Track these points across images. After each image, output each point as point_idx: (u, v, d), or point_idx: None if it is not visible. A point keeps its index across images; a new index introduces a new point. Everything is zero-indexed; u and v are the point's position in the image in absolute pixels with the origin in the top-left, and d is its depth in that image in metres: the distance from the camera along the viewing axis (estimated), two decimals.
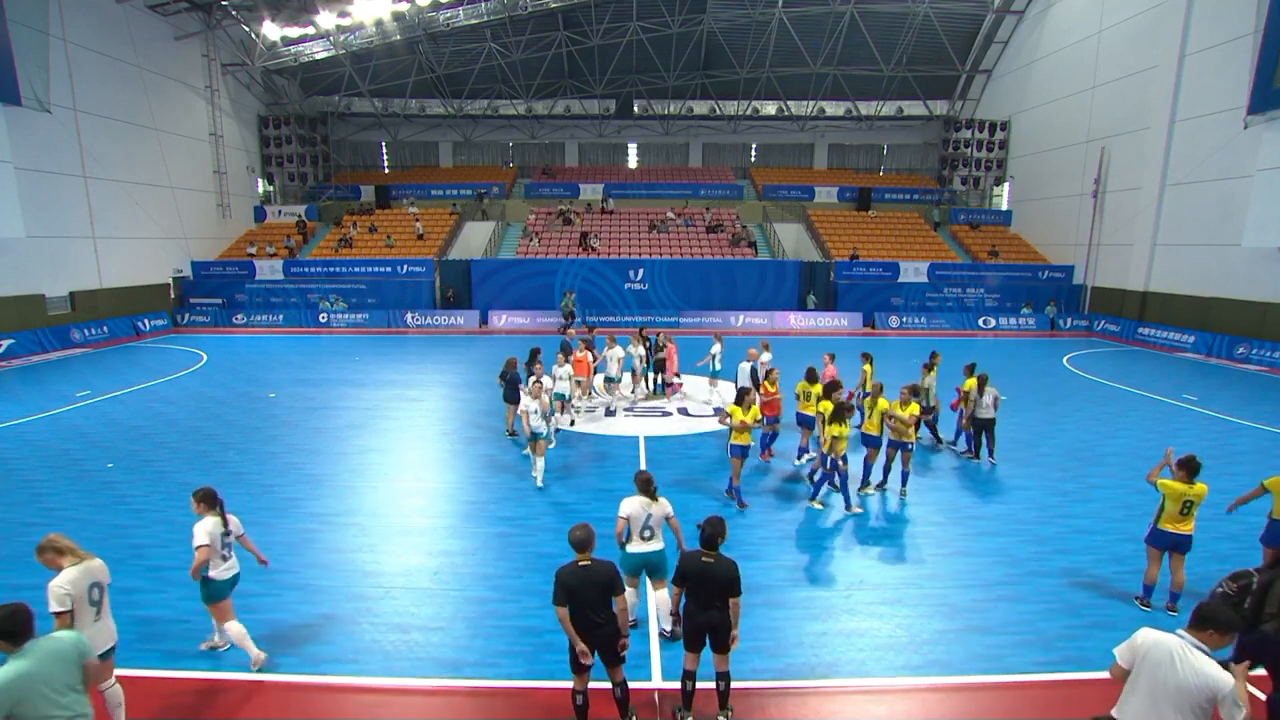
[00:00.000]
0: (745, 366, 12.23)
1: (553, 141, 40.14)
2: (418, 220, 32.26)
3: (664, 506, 5.90)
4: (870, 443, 9.75)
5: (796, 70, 35.50)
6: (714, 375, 14.48)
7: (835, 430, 8.58)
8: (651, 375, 15.45)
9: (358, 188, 36.38)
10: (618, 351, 13.85)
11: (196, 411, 14.15)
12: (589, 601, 4.53)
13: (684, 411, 14.20)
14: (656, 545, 5.89)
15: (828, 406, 9.05)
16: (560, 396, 12.38)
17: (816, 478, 9.36)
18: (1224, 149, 21.95)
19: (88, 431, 12.60)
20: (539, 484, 9.79)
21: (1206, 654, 3.56)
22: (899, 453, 9.53)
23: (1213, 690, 3.46)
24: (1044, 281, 29.59)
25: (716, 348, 14.42)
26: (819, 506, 9.13)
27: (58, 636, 3.79)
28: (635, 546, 5.84)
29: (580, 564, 4.62)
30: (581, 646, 4.53)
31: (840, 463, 8.76)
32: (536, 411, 9.66)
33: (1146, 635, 3.73)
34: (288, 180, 36.24)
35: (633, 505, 5.84)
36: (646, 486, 5.84)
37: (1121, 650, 3.81)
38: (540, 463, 9.83)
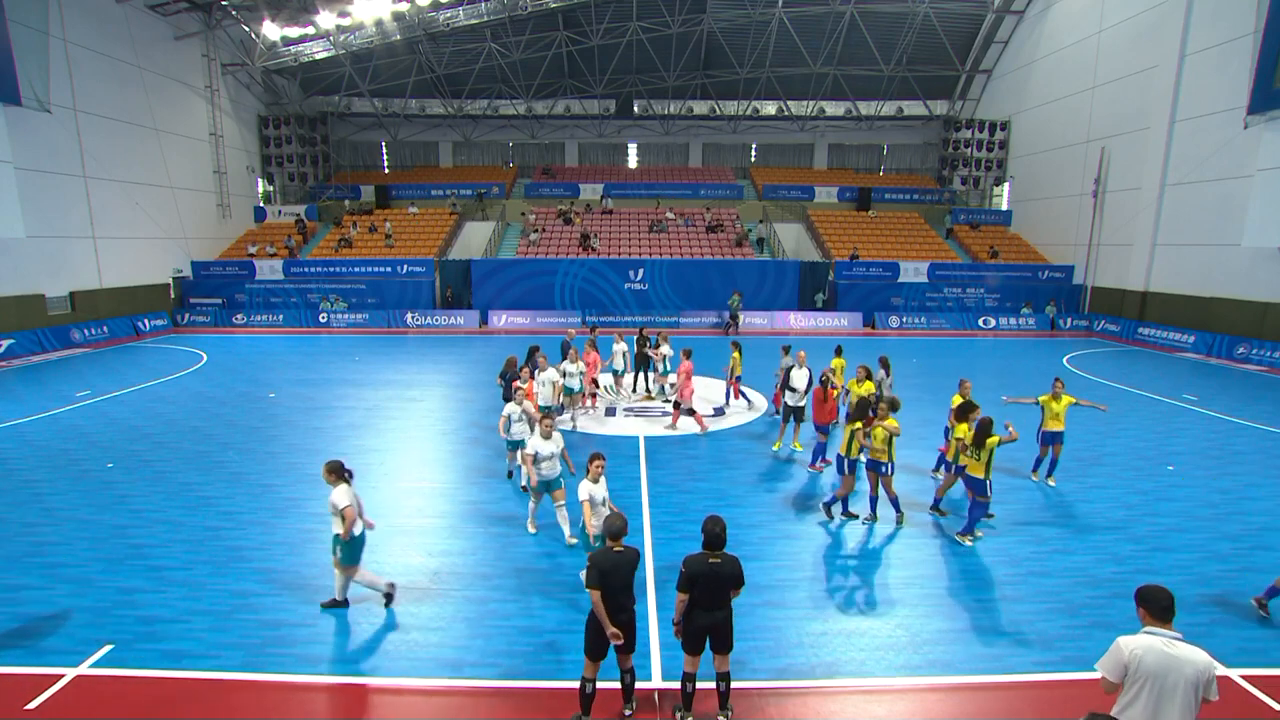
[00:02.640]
0: (801, 373, 11.25)
1: (553, 141, 40.15)
2: (387, 220, 32.25)
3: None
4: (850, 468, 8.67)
5: (796, 70, 35.50)
6: (618, 374, 15.02)
7: (960, 431, 8.09)
8: (652, 376, 15.46)
9: (358, 188, 36.36)
10: (550, 374, 11.40)
11: (196, 411, 14.15)
12: (620, 585, 4.79)
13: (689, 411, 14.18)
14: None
15: (964, 429, 8.25)
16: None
17: (968, 508, 8.30)
18: (1224, 149, 21.94)
19: (88, 431, 12.60)
20: (531, 529, 8.35)
21: (1183, 641, 3.60)
22: (877, 477, 8.54)
23: (1208, 675, 3.50)
24: (1044, 281, 29.59)
25: (620, 346, 14.74)
26: (978, 536, 8.22)
27: None
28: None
29: (615, 550, 4.85)
30: (613, 629, 4.72)
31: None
32: (525, 424, 9.21)
33: (1131, 644, 3.61)
34: (288, 180, 36.25)
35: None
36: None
37: (1107, 666, 3.66)
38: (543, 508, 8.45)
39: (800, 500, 9.48)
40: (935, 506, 8.98)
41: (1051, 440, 10.06)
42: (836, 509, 8.85)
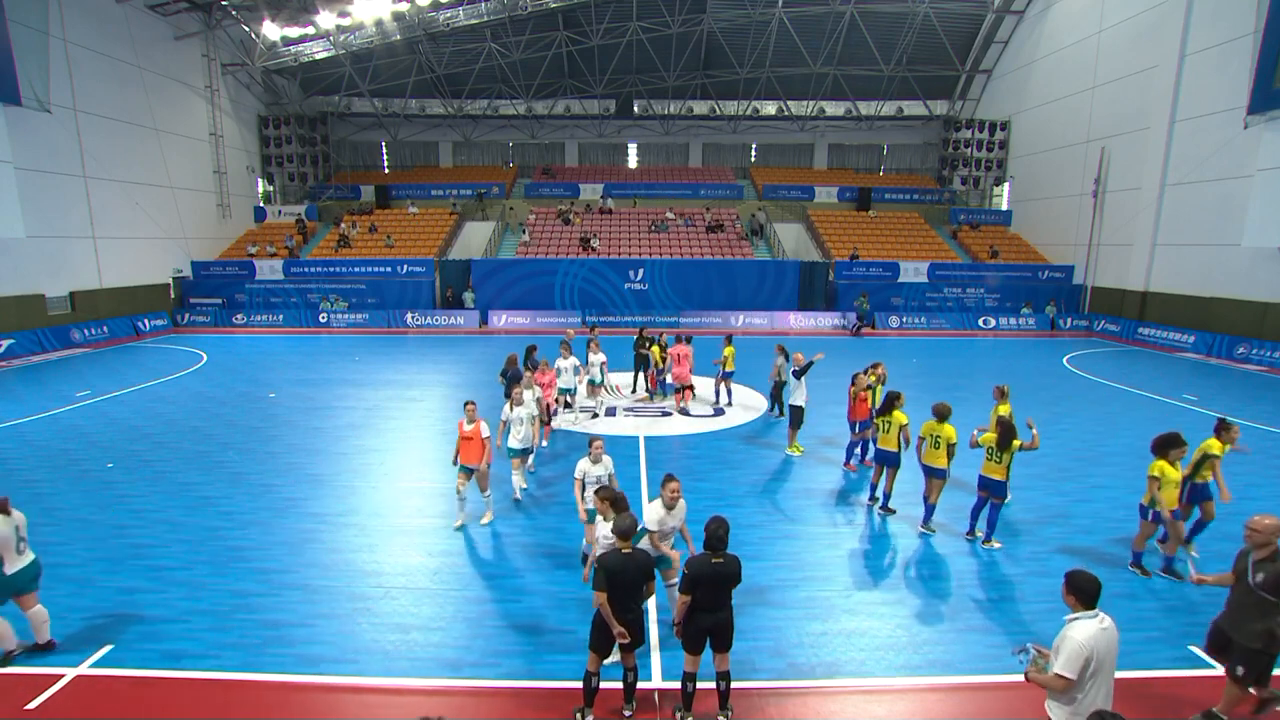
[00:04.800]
0: (800, 376, 11.25)
1: (553, 141, 40.15)
2: (340, 223, 32.23)
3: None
4: (888, 460, 8.86)
5: (796, 70, 35.50)
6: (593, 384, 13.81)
7: (1157, 470, 6.99)
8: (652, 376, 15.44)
9: (358, 188, 36.37)
10: (529, 409, 9.43)
11: (196, 411, 14.15)
12: (628, 586, 4.80)
13: (684, 412, 14.20)
14: None
15: (1163, 467, 7.25)
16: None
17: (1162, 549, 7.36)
18: (1224, 149, 21.94)
19: (88, 431, 12.60)
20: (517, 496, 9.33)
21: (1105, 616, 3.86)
22: (931, 480, 8.41)
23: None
24: (1044, 281, 29.58)
25: (567, 362, 12.91)
26: (996, 545, 7.98)
27: None
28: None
29: (623, 551, 4.84)
30: (619, 629, 4.73)
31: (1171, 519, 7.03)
32: (522, 420, 9.04)
33: (1084, 638, 3.75)
34: (288, 180, 36.24)
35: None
36: None
37: (1072, 666, 3.74)
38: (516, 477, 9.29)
39: (801, 500, 9.48)
40: (1138, 564, 7.47)
41: (1202, 497, 7.56)
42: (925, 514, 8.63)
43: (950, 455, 8.24)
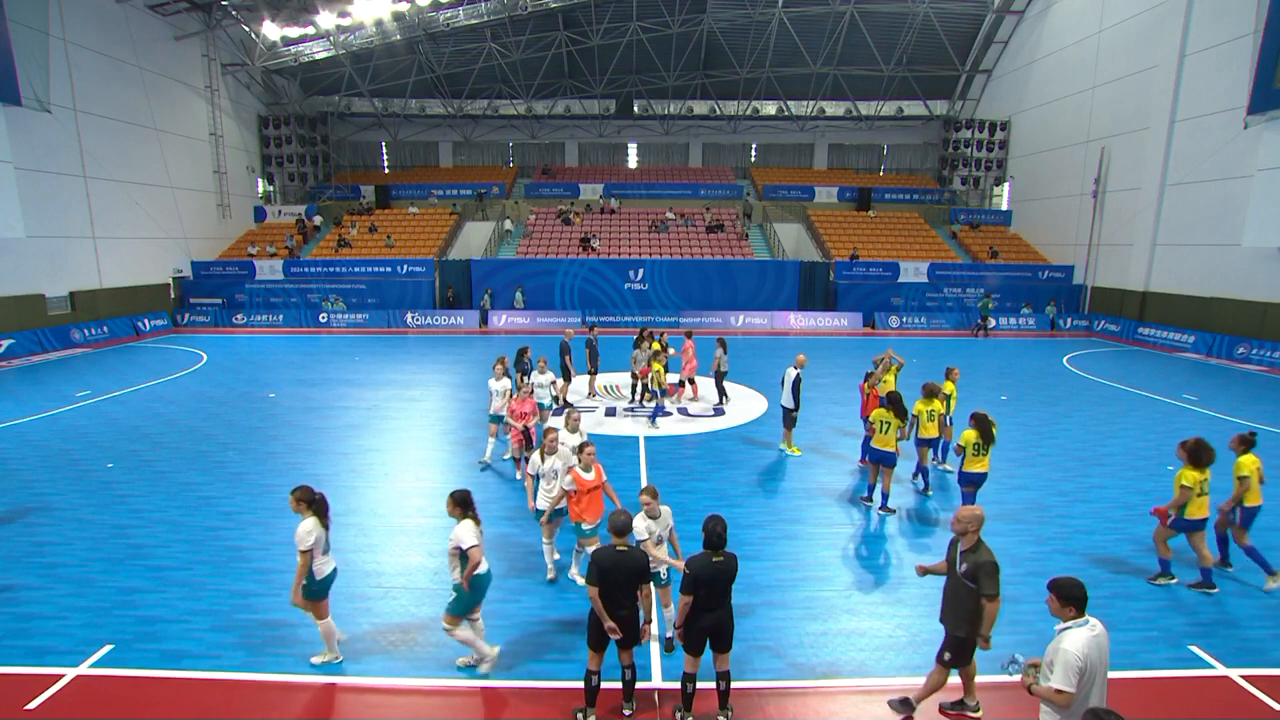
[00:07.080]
0: (792, 373, 11.07)
1: (553, 141, 40.16)
2: (334, 224, 32.45)
3: None
4: (884, 459, 8.92)
5: (796, 70, 35.51)
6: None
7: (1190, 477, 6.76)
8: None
9: (358, 188, 36.38)
10: (556, 464, 7.25)
11: (196, 411, 14.15)
12: (619, 584, 4.79)
13: (684, 412, 14.21)
14: None
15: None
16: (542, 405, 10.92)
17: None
18: (1224, 149, 21.94)
19: (88, 431, 12.60)
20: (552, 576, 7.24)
21: (1089, 616, 3.88)
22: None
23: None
24: (1044, 281, 29.59)
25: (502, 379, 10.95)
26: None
27: None
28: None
29: (618, 548, 4.84)
30: (610, 624, 4.74)
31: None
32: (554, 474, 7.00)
33: (1078, 650, 3.70)
34: (288, 180, 36.25)
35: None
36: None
37: (1069, 680, 3.70)
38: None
39: (801, 500, 9.48)
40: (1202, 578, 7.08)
41: None
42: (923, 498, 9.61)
43: (940, 426, 9.65)
